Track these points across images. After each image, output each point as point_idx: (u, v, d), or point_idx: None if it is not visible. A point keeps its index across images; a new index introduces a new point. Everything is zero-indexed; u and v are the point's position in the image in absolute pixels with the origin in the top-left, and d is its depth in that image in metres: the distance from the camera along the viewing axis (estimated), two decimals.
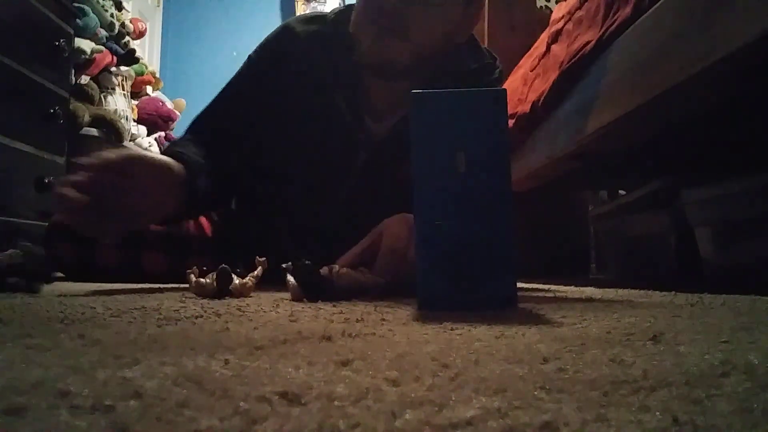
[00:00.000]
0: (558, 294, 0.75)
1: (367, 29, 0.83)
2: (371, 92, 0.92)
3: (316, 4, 3.75)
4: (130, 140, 2.34)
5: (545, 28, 1.49)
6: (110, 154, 0.64)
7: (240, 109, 0.95)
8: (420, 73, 0.88)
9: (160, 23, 3.74)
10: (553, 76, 1.25)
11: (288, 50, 0.93)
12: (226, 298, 0.59)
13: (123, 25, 2.37)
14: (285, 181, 0.96)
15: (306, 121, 0.92)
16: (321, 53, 0.91)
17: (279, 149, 0.95)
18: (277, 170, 0.97)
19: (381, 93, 0.92)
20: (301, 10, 3.74)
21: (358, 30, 0.85)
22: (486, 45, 1.94)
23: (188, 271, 0.63)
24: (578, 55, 1.11)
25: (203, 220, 1.08)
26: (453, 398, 0.19)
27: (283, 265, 0.59)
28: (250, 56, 0.98)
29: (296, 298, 0.58)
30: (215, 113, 0.97)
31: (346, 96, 0.91)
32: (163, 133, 2.80)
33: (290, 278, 0.59)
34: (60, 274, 0.99)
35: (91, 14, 2.08)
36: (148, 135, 2.65)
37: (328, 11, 0.99)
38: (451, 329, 0.36)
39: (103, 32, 2.17)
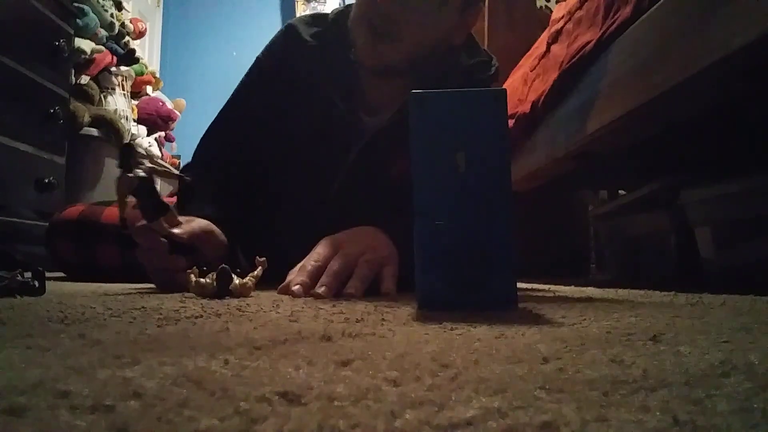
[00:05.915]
0: (558, 294, 0.75)
1: (362, 28, 0.84)
2: (367, 89, 0.93)
3: (316, 4, 3.75)
4: (130, 140, 2.34)
5: (545, 28, 1.49)
6: (181, 232, 0.69)
7: (252, 115, 0.97)
8: (415, 71, 0.88)
9: (160, 23, 3.74)
10: (553, 76, 1.24)
11: (293, 52, 0.94)
12: (226, 298, 0.59)
13: (123, 25, 2.37)
14: (280, 179, 0.96)
15: (305, 121, 0.93)
16: (321, 54, 0.92)
17: (279, 149, 0.95)
18: (275, 169, 0.97)
19: (377, 90, 0.93)
20: (301, 10, 3.74)
21: (354, 26, 0.86)
22: (486, 45, 1.95)
23: (188, 271, 0.63)
24: (578, 55, 1.11)
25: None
26: (453, 398, 0.19)
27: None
28: (258, 58, 0.99)
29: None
30: (229, 121, 0.99)
31: (343, 93, 0.91)
32: (163, 133, 2.80)
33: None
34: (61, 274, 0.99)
35: (91, 14, 2.08)
36: (148, 135, 2.65)
37: (329, 12, 1.00)
38: (451, 329, 0.36)
39: (103, 32, 2.17)
